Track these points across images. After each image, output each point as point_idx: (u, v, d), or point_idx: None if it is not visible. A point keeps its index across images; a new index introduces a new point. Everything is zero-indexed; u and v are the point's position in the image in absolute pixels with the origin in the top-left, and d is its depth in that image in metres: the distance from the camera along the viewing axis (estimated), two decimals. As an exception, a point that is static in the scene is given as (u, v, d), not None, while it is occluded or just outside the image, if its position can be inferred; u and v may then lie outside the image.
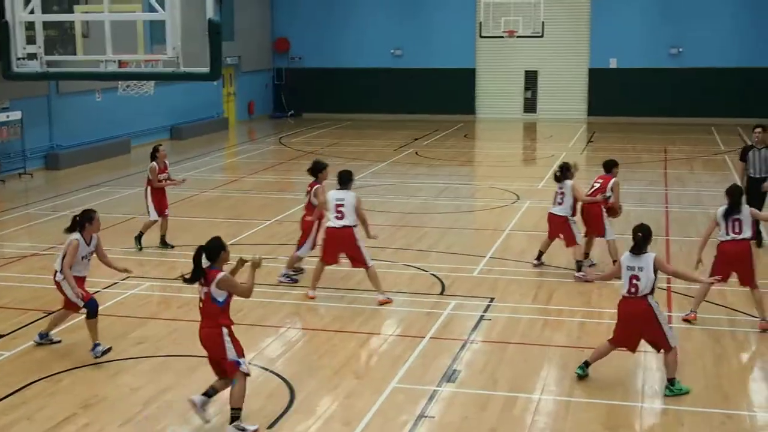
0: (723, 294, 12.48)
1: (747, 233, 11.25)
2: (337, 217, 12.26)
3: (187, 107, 31.50)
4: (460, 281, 13.50)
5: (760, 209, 13.57)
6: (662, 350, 9.38)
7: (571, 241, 13.61)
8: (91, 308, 10.44)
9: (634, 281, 9.22)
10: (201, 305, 8.63)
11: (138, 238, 15.45)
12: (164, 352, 10.69)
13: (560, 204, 13.66)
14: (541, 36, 32.08)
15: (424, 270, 14.07)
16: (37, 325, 11.53)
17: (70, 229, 10.48)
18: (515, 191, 20.67)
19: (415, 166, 24.96)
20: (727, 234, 11.25)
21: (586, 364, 9.75)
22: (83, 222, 10.45)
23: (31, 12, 8.01)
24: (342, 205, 12.25)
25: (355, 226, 12.28)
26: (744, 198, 11.75)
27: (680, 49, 34.96)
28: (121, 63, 8.83)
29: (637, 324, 9.30)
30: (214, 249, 8.58)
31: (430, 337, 11.07)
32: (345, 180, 12.46)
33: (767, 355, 10.70)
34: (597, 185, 13.86)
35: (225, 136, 32.96)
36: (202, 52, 8.02)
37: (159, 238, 15.52)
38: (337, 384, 9.75)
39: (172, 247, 15.42)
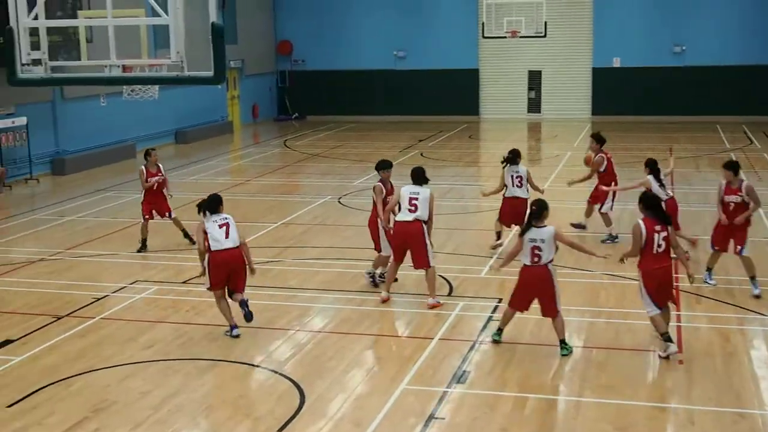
0: (731, 292, 12.47)
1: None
2: (410, 210, 12.28)
3: (191, 111, 31.53)
4: (467, 282, 13.49)
5: None
6: (550, 316, 10.40)
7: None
8: None
9: (537, 252, 10.21)
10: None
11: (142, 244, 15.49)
12: (173, 356, 10.69)
13: (520, 186, 14.73)
14: (544, 36, 32.08)
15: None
16: (45, 330, 11.53)
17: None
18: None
19: (420, 168, 24.90)
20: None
21: (500, 331, 10.81)
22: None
23: (35, 18, 8.01)
24: (416, 199, 12.32)
25: (425, 221, 12.29)
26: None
27: (683, 47, 34.93)
28: (125, 68, 8.83)
29: (536, 286, 10.33)
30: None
31: (439, 339, 11.06)
32: (420, 176, 12.60)
33: (777, 353, 10.67)
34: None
35: (230, 139, 32.98)
36: (206, 56, 8.02)
37: (177, 236, 15.80)
38: (347, 385, 9.74)
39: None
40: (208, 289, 11.16)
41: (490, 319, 11.70)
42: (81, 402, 9.40)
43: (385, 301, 12.46)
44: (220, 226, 11.02)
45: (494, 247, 15.17)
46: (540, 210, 10.35)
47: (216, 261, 10.89)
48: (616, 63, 35.65)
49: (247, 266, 11.15)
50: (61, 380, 9.96)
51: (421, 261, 12.29)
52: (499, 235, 15.31)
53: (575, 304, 12.17)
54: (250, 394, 9.68)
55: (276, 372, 10.13)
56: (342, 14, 37.33)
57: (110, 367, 10.36)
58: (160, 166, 15.88)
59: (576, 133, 31.88)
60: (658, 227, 10.10)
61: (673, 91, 35.01)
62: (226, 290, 11.13)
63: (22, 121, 23.27)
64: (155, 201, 15.67)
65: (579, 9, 35.72)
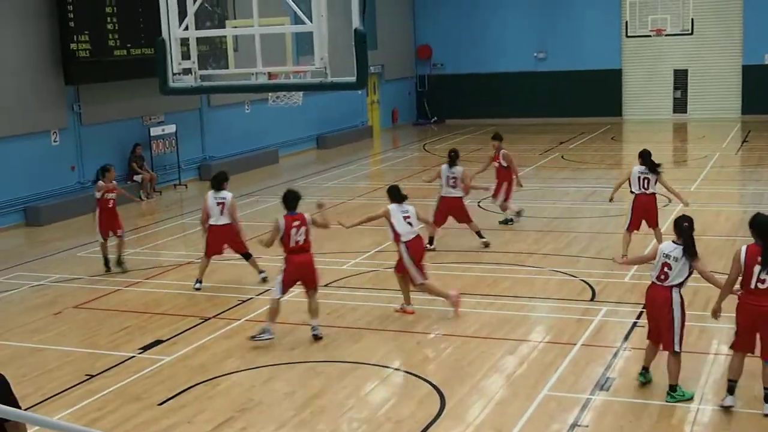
0: None
1: None
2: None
3: (332, 116, 32.01)
4: (611, 287, 13.18)
5: None
6: (665, 348, 9.23)
7: (468, 218, 15.83)
8: None
9: (665, 269, 9.08)
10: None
11: (117, 262, 15.21)
12: (315, 358, 10.85)
13: (454, 187, 15.49)
14: (691, 33, 31.05)
15: (573, 276, 13.81)
16: (193, 331, 11.91)
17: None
18: (666, 194, 20.00)
19: (561, 170, 24.58)
20: None
21: (645, 370, 9.59)
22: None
23: (186, 29, 8.27)
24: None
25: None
26: None
27: (841, 42, 33.22)
28: (270, 75, 9.01)
29: (653, 308, 9.26)
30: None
31: (582, 344, 10.85)
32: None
33: None
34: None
35: (369, 144, 33.31)
36: (348, 62, 8.10)
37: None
38: (487, 391, 9.67)
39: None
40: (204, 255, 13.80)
41: (634, 325, 11.40)
42: (228, 401, 9.66)
43: (409, 312, 12.31)
44: (218, 204, 13.57)
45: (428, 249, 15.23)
46: (688, 225, 9.16)
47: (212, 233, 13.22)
48: (768, 60, 34.21)
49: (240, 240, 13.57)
50: (208, 380, 10.27)
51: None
52: (431, 240, 15.51)
53: (725, 311, 11.69)
54: (391, 397, 9.73)
55: (416, 375, 10.15)
56: (481, 17, 37.15)
57: (255, 368, 10.60)
58: (115, 183, 15.50)
59: (725, 133, 30.71)
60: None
61: (829, 88, 33.32)
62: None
63: (171, 128, 24.12)
64: (110, 219, 15.17)
65: (728, 4, 34.40)
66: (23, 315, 13.10)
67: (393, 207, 12.23)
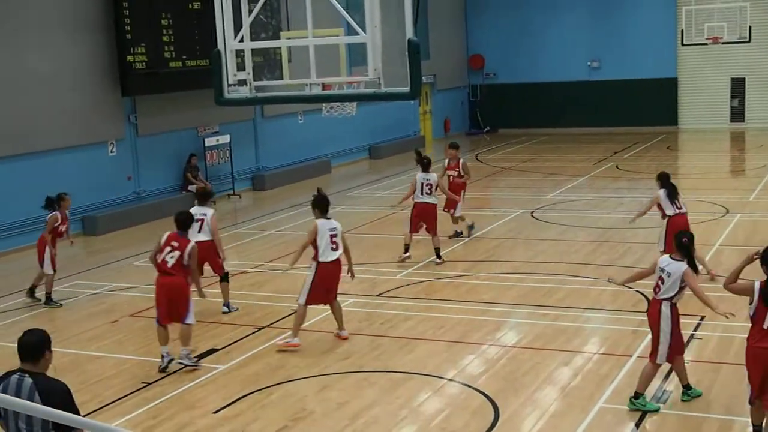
0: None
1: None
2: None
3: (384, 127, 32.07)
4: (667, 298, 12.98)
5: None
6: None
7: (435, 230, 15.63)
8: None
9: (659, 282, 9.11)
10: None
11: (31, 291, 14.34)
12: (368, 368, 10.85)
13: (429, 193, 15.50)
14: (748, 41, 30.62)
15: (628, 287, 13.63)
16: (247, 340, 12.00)
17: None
18: (724, 204, 19.74)
19: (616, 180, 24.34)
20: None
21: (687, 387, 9.41)
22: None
23: (241, 40, 8.35)
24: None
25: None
26: None
27: None
28: (324, 86, 9.06)
29: (649, 321, 9.29)
30: None
31: (637, 356, 10.70)
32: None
33: None
34: None
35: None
36: (402, 72, 8.10)
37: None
38: (541, 402, 9.58)
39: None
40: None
41: (692, 337, 11.22)
42: (281, 410, 9.70)
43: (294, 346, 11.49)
44: (197, 220, 12.49)
45: (402, 260, 15.63)
46: (687, 240, 9.15)
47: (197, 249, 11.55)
48: (828, 67, 33.55)
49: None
50: (262, 389, 10.32)
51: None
52: (407, 248, 15.65)
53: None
54: (445, 408, 9.68)
55: (470, 386, 10.10)
56: (534, 26, 36.97)
57: (308, 377, 10.63)
58: (67, 213, 14.39)
59: (783, 142, 30.19)
60: None
61: None
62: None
63: (225, 139, 24.36)
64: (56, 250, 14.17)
65: (786, 12, 33.83)
66: (81, 323, 13.30)
67: (321, 223, 11.49)
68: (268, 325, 12.62)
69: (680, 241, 9.20)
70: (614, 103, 36.01)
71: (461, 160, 17.43)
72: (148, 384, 10.61)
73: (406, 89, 8.15)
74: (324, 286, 11.52)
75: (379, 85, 8.32)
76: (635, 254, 15.82)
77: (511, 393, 9.82)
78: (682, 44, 32.46)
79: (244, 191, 25.10)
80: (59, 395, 5.64)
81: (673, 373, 10.12)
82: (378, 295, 13.92)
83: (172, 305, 10.99)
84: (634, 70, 35.61)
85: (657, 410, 9.11)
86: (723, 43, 30.94)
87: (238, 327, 12.60)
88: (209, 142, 23.86)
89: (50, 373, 5.86)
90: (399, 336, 11.96)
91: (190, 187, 22.90)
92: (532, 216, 19.72)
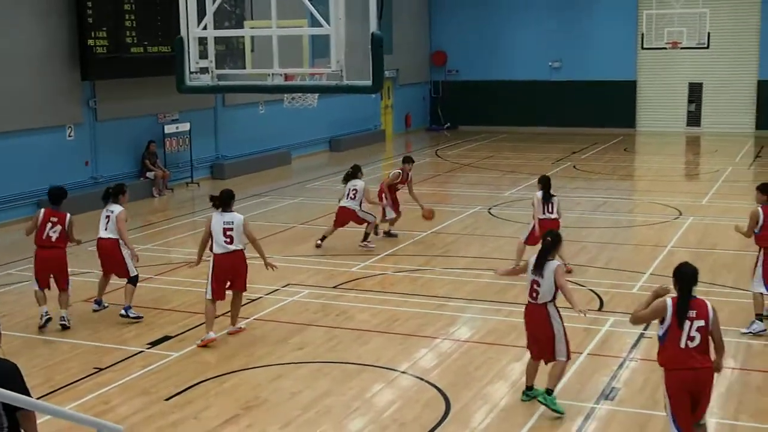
0: None
1: None
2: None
3: (345, 120, 32.08)
4: (619, 297, 13.21)
5: None
6: (545, 359, 9.35)
7: (361, 222, 16.44)
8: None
9: (535, 287, 9.24)
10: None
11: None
12: (322, 359, 10.91)
13: (353, 199, 16.28)
14: (707, 47, 31.05)
15: (581, 285, 13.83)
16: (201, 328, 11.96)
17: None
18: (677, 206, 20.05)
19: (573, 180, 24.59)
20: None
21: (530, 388, 9.57)
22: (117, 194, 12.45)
23: (204, 28, 8.34)
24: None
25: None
26: None
27: None
28: (286, 76, 9.07)
29: (533, 327, 9.41)
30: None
31: (588, 354, 10.88)
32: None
33: None
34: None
35: (382, 148, 33.36)
36: (364, 66, 8.15)
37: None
38: (492, 397, 9.71)
39: None
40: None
41: (641, 336, 11.41)
42: (234, 399, 9.72)
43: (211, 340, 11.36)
44: (105, 216, 12.39)
45: (318, 246, 16.46)
46: (554, 244, 9.33)
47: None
48: (785, 75, 34.13)
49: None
50: (215, 377, 10.33)
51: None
52: (323, 238, 16.57)
53: (731, 324, 11.72)
54: (397, 400, 9.77)
55: (422, 379, 10.20)
56: (497, 25, 37.19)
57: (262, 366, 10.67)
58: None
59: (738, 148, 30.65)
60: (692, 313, 7.54)
61: None
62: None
63: (185, 126, 24.23)
64: None
65: (745, 19, 34.34)
66: (33, 307, 13.16)
67: (214, 216, 11.51)
68: (222, 314, 12.59)
69: (545, 239, 9.48)
70: (574, 104, 36.35)
71: (411, 174, 18.03)
72: (101, 369, 10.58)
73: (368, 83, 8.20)
74: (223, 278, 11.56)
75: (341, 78, 8.36)
76: (589, 253, 16.03)
77: (463, 386, 9.93)
78: (642, 48, 32.82)
79: (202, 179, 24.98)
80: (9, 375, 5.61)
81: (622, 369, 10.31)
82: (334, 287, 13.97)
83: (55, 276, 12.08)
84: (594, 72, 35.97)
85: (562, 412, 9.13)
86: (682, 48, 31.32)
87: (193, 315, 12.57)
88: (169, 129, 23.72)
89: (-1, 355, 5.85)
90: (354, 328, 12.03)
91: (147, 174, 22.76)
92: (489, 213, 19.88)
